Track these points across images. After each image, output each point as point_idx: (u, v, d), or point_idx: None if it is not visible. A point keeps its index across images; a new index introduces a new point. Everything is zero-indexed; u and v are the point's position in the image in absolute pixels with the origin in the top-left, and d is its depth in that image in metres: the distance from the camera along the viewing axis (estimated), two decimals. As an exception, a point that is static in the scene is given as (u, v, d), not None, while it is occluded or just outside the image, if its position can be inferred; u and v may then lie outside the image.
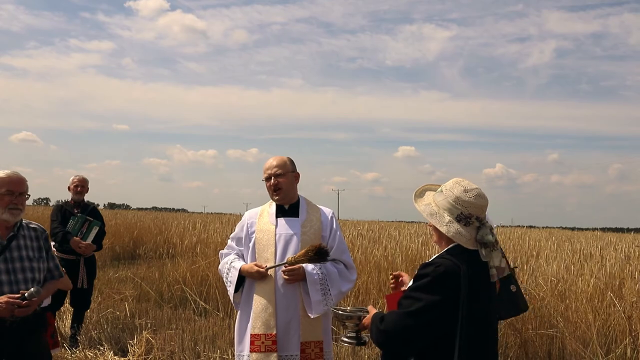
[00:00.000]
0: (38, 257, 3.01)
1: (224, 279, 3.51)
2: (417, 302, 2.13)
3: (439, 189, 2.36)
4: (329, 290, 3.25)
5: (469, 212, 2.24)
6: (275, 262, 3.29)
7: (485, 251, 2.21)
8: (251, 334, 3.27)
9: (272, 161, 3.43)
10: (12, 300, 2.77)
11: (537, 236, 15.16)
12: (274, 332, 3.22)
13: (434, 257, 2.30)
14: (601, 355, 5.18)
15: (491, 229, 2.26)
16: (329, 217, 3.46)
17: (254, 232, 3.45)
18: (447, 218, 2.26)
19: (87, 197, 6.26)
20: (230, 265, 3.45)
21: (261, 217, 3.47)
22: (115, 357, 5.39)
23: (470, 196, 2.25)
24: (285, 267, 3.26)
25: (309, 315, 3.25)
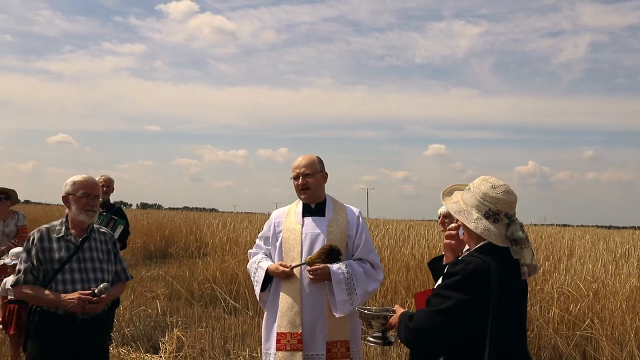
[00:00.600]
0: (107, 260, 3.22)
1: (252, 278, 3.53)
2: (447, 300, 2.10)
3: (467, 187, 2.33)
4: (355, 289, 3.23)
5: (498, 209, 2.20)
6: (301, 261, 3.28)
7: (515, 248, 2.17)
8: (277, 333, 3.27)
9: (301, 160, 3.43)
10: (83, 296, 2.95)
11: (572, 235, 14.83)
12: (300, 331, 3.22)
13: (464, 255, 2.27)
14: (638, 357, 5.04)
15: (521, 225, 2.22)
16: (356, 216, 3.44)
17: (280, 231, 3.45)
18: (475, 215, 2.22)
19: (121, 197, 6.49)
20: (258, 265, 3.46)
21: (288, 217, 3.47)
22: (147, 355, 5.47)
23: (498, 192, 2.22)
24: (308, 266, 3.25)
25: (335, 314, 3.23)
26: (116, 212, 6.20)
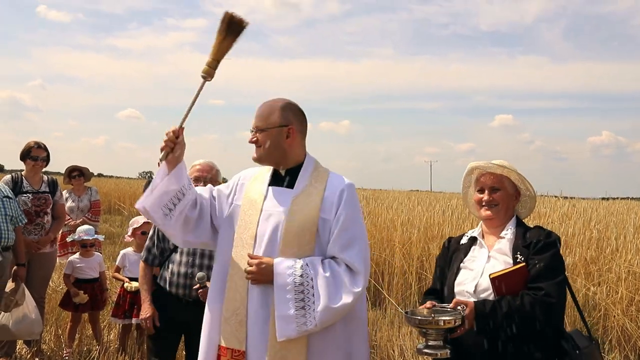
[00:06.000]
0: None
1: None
2: (561, 269, 2.24)
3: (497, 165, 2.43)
4: (313, 303, 2.15)
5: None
6: (253, 251, 2.28)
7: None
8: (219, 346, 2.32)
9: (259, 108, 2.41)
10: (149, 324, 3.28)
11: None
12: (243, 349, 2.24)
13: (526, 227, 2.40)
14: None
15: None
16: (339, 190, 2.30)
17: (240, 199, 2.43)
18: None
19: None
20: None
21: (254, 182, 2.46)
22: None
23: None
24: None
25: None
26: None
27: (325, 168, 2.44)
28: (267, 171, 2.46)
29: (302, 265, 2.18)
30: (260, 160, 2.39)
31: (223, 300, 2.33)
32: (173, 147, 2.28)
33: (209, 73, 2.37)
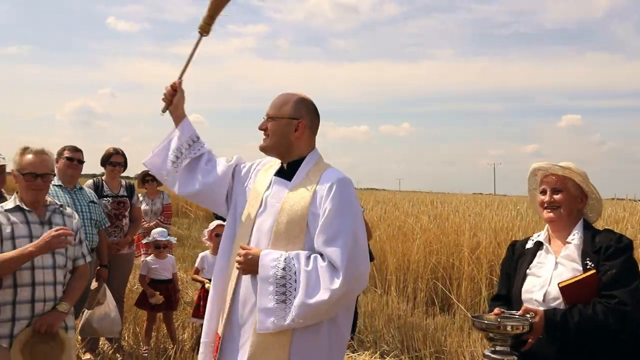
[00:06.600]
0: None
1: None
2: (635, 275, 2.14)
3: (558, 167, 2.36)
4: (292, 297, 2.10)
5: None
6: (249, 241, 2.31)
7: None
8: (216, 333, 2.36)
9: (275, 97, 2.43)
10: None
11: None
12: (220, 334, 2.30)
13: (595, 230, 2.31)
14: None
15: None
16: (328, 184, 2.21)
17: (251, 184, 2.47)
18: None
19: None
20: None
21: (265, 172, 2.47)
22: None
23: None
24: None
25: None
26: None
27: (327, 163, 2.38)
28: (277, 162, 2.46)
29: (286, 258, 2.14)
30: (265, 149, 2.40)
31: (224, 285, 2.36)
32: (171, 99, 2.50)
33: (204, 29, 2.55)
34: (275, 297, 2.10)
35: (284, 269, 2.12)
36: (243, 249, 2.24)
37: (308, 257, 2.14)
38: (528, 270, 2.36)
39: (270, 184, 2.37)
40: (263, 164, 2.52)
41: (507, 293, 2.44)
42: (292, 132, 2.33)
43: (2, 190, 3.71)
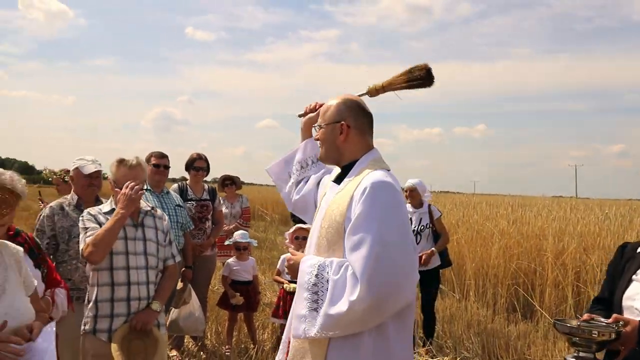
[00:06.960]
0: None
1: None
2: None
3: None
4: (322, 306, 2.01)
5: None
6: (309, 247, 2.31)
7: None
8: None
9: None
10: None
11: None
12: (286, 351, 2.26)
13: None
14: None
15: None
16: (362, 190, 2.08)
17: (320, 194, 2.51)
18: None
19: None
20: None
21: (329, 178, 2.48)
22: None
23: None
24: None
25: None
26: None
27: (379, 165, 2.23)
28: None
29: (320, 265, 2.06)
30: (322, 159, 2.41)
31: None
32: (308, 112, 2.64)
33: (370, 91, 2.60)
34: (308, 304, 2.03)
35: (316, 276, 2.04)
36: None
37: (341, 265, 2.03)
38: (634, 276, 2.23)
39: (327, 190, 2.36)
40: (335, 171, 2.50)
41: (610, 296, 2.32)
42: (337, 136, 2.28)
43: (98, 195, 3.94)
